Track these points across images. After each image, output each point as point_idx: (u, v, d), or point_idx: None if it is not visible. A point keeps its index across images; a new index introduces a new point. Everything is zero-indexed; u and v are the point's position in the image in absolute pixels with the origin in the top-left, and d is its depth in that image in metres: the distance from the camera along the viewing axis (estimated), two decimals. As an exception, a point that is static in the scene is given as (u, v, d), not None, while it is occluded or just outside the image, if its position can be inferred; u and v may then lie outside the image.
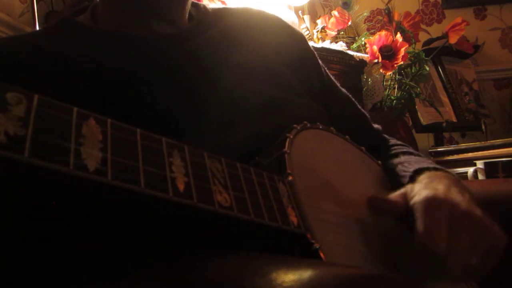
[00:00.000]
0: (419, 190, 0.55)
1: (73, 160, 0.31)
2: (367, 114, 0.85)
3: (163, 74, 0.61)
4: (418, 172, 0.64)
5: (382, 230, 0.58)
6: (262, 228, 0.44)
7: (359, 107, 0.85)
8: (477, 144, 1.68)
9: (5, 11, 1.35)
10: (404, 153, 0.75)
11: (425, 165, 0.65)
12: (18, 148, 0.29)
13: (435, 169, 0.64)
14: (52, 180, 0.32)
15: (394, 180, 0.68)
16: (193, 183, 0.39)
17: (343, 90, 0.85)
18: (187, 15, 0.72)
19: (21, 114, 0.30)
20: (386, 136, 0.86)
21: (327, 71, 0.83)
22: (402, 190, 0.58)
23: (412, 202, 0.54)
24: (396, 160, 0.72)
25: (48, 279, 0.49)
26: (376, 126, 0.85)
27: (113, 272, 0.46)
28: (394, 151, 0.77)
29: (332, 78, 0.84)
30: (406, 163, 0.69)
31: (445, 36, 1.89)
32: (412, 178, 0.63)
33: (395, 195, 0.58)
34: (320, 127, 0.62)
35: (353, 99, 0.85)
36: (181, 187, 0.38)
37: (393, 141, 0.84)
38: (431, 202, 0.53)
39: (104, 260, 0.49)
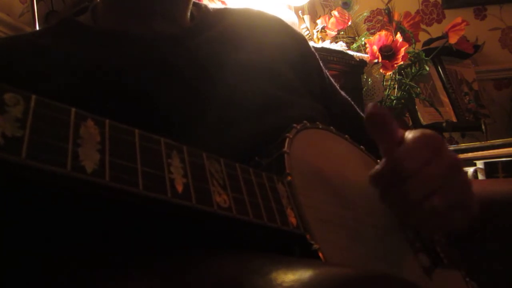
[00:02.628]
0: (418, 130, 0.54)
1: (70, 162, 0.31)
2: None
3: (164, 73, 0.61)
4: None
5: (382, 230, 0.57)
6: (261, 229, 0.44)
7: (358, 110, 0.85)
8: (477, 144, 1.68)
9: (5, 11, 1.35)
10: None
11: None
12: (15, 150, 0.29)
13: None
14: (50, 181, 0.32)
15: None
16: (192, 184, 0.39)
17: (343, 92, 0.85)
18: (188, 15, 0.72)
19: (18, 115, 0.30)
20: None
21: (327, 73, 0.83)
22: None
23: (406, 132, 0.53)
24: None
25: (48, 279, 0.49)
26: (375, 127, 0.85)
27: (112, 272, 0.46)
28: None
29: (332, 80, 0.84)
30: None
31: (445, 36, 1.89)
32: None
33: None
34: (320, 126, 0.62)
35: (352, 102, 0.86)
36: (179, 188, 0.38)
37: None
38: (425, 135, 0.51)
39: (103, 260, 0.49)
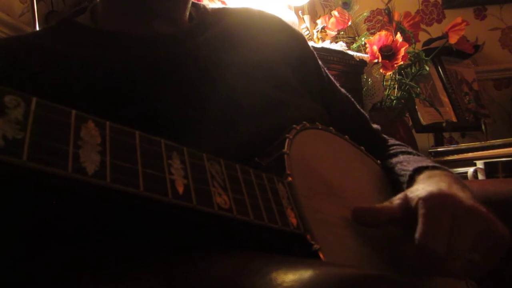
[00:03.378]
0: (423, 187, 0.54)
1: (71, 163, 0.31)
2: (366, 115, 0.85)
3: (163, 73, 0.61)
4: (417, 171, 0.63)
5: (383, 229, 0.57)
6: (262, 229, 0.44)
7: (359, 107, 0.85)
8: (477, 144, 1.68)
9: (5, 11, 1.35)
10: (403, 152, 0.75)
11: (424, 164, 0.65)
12: (16, 152, 0.29)
13: (434, 167, 0.63)
14: (51, 183, 0.32)
15: (394, 179, 0.68)
16: (192, 185, 0.39)
17: (343, 90, 0.85)
18: (187, 15, 0.72)
19: (19, 117, 0.30)
20: (385, 136, 0.85)
21: (327, 71, 0.83)
22: (401, 194, 0.56)
23: (414, 198, 0.53)
24: (395, 160, 0.72)
25: (48, 279, 0.49)
26: (375, 126, 0.85)
27: (112, 273, 0.46)
28: (393, 151, 0.77)
29: (332, 78, 0.84)
30: (405, 162, 0.68)
31: (445, 36, 1.89)
32: (412, 177, 0.63)
33: (393, 200, 0.56)
34: (320, 127, 0.62)
35: (353, 99, 0.85)
36: (180, 189, 0.38)
37: (392, 141, 0.84)
38: (434, 199, 0.51)
39: (104, 260, 0.49)
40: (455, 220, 0.50)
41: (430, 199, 0.51)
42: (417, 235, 0.49)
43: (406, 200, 0.54)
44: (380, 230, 0.57)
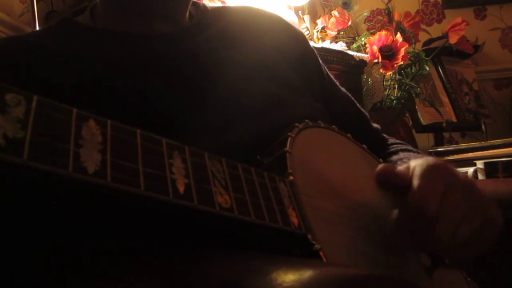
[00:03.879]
0: (421, 160, 0.54)
1: (72, 163, 0.31)
2: (366, 114, 0.85)
3: (163, 72, 0.61)
4: None
5: (384, 230, 0.57)
6: (263, 229, 0.44)
7: (359, 106, 0.85)
8: (477, 144, 1.68)
9: (5, 11, 1.35)
10: (403, 150, 0.75)
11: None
12: (17, 151, 0.29)
13: None
14: (51, 182, 0.32)
15: None
16: (194, 184, 0.39)
17: (343, 89, 0.85)
18: (187, 14, 0.72)
19: (20, 115, 0.30)
20: (385, 135, 0.86)
21: (327, 70, 0.83)
22: (405, 165, 0.56)
23: (412, 169, 0.53)
24: (395, 157, 0.72)
25: (48, 279, 0.49)
26: (375, 125, 0.85)
27: (113, 272, 0.46)
28: (393, 149, 0.77)
29: (332, 77, 0.84)
30: (406, 159, 0.68)
31: (445, 36, 1.89)
32: None
33: (400, 168, 0.56)
34: (322, 125, 0.62)
35: (353, 98, 0.85)
36: (181, 188, 0.37)
37: (392, 140, 0.84)
38: (431, 167, 0.51)
39: (104, 260, 0.49)
40: (449, 188, 0.50)
41: (426, 166, 0.52)
42: (410, 194, 0.49)
43: (408, 170, 0.54)
44: (382, 229, 0.57)
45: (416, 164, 0.53)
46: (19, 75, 0.57)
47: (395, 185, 0.54)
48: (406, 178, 0.53)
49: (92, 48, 0.63)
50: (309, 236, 0.46)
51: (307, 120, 0.59)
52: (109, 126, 0.35)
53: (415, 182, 0.50)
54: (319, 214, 0.51)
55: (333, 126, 0.64)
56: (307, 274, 0.34)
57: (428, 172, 0.51)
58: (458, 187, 0.50)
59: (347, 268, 0.37)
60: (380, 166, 0.55)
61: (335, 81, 0.84)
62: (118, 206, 0.42)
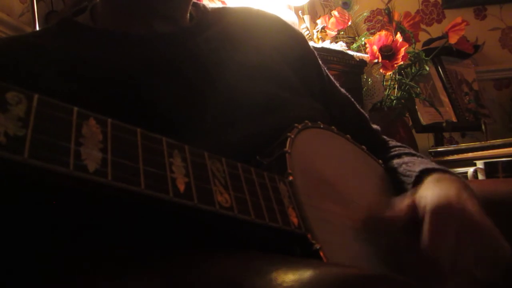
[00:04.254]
0: (432, 194, 0.54)
1: (73, 161, 0.31)
2: (366, 115, 0.85)
3: (163, 73, 0.61)
4: (424, 172, 0.63)
5: (384, 230, 0.57)
6: (263, 229, 0.44)
7: (359, 107, 0.85)
8: (477, 144, 1.68)
9: (5, 11, 1.35)
10: (407, 154, 0.74)
11: (430, 166, 0.64)
12: (17, 149, 0.29)
13: (442, 171, 0.63)
14: (52, 180, 0.32)
15: (398, 180, 0.68)
16: (194, 183, 0.39)
17: (343, 90, 0.85)
18: (188, 15, 0.72)
19: (21, 114, 0.30)
20: (385, 137, 0.85)
21: (327, 71, 0.83)
22: (410, 197, 0.56)
23: (422, 204, 0.53)
24: (399, 160, 0.72)
25: (48, 279, 0.49)
26: (375, 127, 0.85)
27: (113, 272, 0.46)
28: (396, 152, 0.76)
29: (332, 78, 0.84)
30: (411, 163, 0.68)
31: (445, 36, 1.89)
32: (418, 178, 0.62)
33: (402, 201, 0.56)
34: (321, 126, 0.62)
35: (353, 100, 0.85)
36: (181, 187, 0.38)
37: (393, 142, 0.84)
38: (442, 209, 0.52)
39: (104, 260, 0.49)
40: (461, 234, 0.50)
41: (437, 209, 0.52)
42: (423, 243, 0.50)
43: (414, 204, 0.55)
44: (381, 229, 0.57)
45: (427, 198, 0.53)
46: (19, 75, 0.57)
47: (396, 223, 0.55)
48: (408, 212, 0.54)
49: (92, 48, 0.63)
50: (309, 236, 0.46)
51: (306, 121, 0.60)
52: (110, 124, 0.36)
53: (426, 229, 0.50)
54: (318, 214, 0.51)
55: (332, 127, 0.64)
56: (307, 274, 0.34)
57: (439, 215, 0.51)
58: (471, 228, 0.51)
59: (348, 268, 0.37)
60: (388, 213, 0.55)
61: (335, 82, 0.84)
62: (118, 205, 0.42)
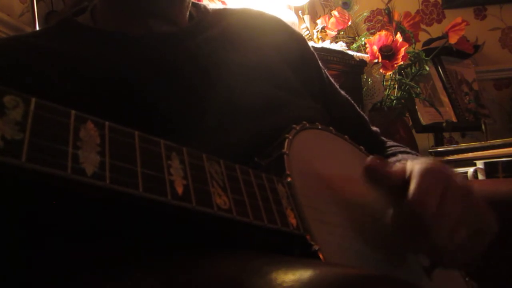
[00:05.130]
0: (420, 161, 0.54)
1: (70, 164, 0.31)
2: (366, 117, 0.85)
3: (162, 73, 0.61)
4: None
5: (383, 230, 0.57)
6: (261, 230, 0.44)
7: (358, 109, 0.85)
8: (477, 144, 1.68)
9: (5, 11, 1.35)
10: (402, 152, 0.75)
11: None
12: (15, 153, 0.29)
13: None
14: (50, 184, 0.32)
15: None
16: (192, 185, 0.39)
17: (343, 92, 0.85)
18: (187, 15, 0.72)
19: (18, 118, 0.30)
20: (384, 138, 0.86)
21: (326, 72, 0.83)
22: (402, 164, 0.55)
23: (410, 169, 0.52)
24: (393, 158, 0.72)
25: (48, 279, 0.49)
26: (374, 128, 0.86)
27: (112, 273, 0.46)
28: (391, 151, 0.77)
29: (332, 80, 0.84)
30: (404, 160, 0.68)
31: (445, 36, 1.89)
32: None
33: (394, 167, 0.55)
34: (319, 127, 0.62)
35: (352, 101, 0.85)
36: (179, 190, 0.38)
37: (390, 142, 0.84)
38: (429, 169, 0.51)
39: (103, 260, 0.49)
40: (446, 191, 0.49)
41: (424, 168, 0.51)
42: (407, 196, 0.49)
43: (404, 169, 0.54)
44: (380, 229, 0.57)
45: (413, 165, 0.53)
46: (19, 75, 0.57)
47: (389, 182, 0.53)
48: (400, 177, 0.52)
49: (92, 48, 0.63)
50: (308, 237, 0.46)
51: (304, 122, 0.60)
52: (107, 127, 0.36)
53: (413, 184, 0.50)
54: (317, 215, 0.51)
55: (331, 128, 0.64)
56: (307, 274, 0.34)
57: (426, 174, 0.50)
58: (456, 191, 0.50)
59: (347, 268, 0.37)
60: (369, 159, 0.52)
61: (335, 84, 0.85)
62: (117, 207, 0.42)
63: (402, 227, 0.50)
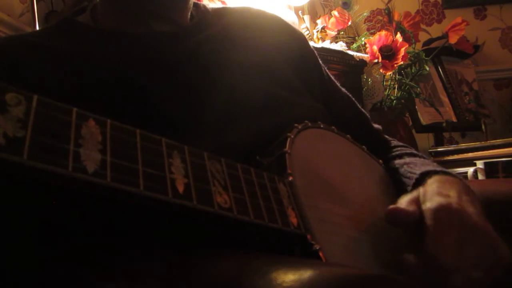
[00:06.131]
0: (432, 196, 0.55)
1: (72, 162, 0.31)
2: (367, 115, 0.85)
3: (163, 72, 0.61)
4: (426, 174, 0.63)
5: (384, 230, 0.57)
6: (262, 229, 0.44)
7: (360, 107, 0.85)
8: (477, 144, 1.68)
9: (5, 11, 1.35)
10: (409, 154, 0.74)
11: (432, 168, 0.64)
12: (17, 150, 0.29)
13: (443, 172, 0.63)
14: (51, 181, 0.32)
15: (398, 180, 0.68)
16: (193, 184, 0.39)
17: (344, 90, 0.85)
18: (188, 15, 0.72)
19: (20, 115, 0.30)
20: (387, 137, 0.85)
21: (327, 71, 0.83)
22: (414, 194, 0.56)
23: (424, 207, 0.53)
24: (401, 161, 0.72)
25: (48, 279, 0.49)
26: (376, 126, 0.85)
27: (112, 272, 0.46)
28: (398, 152, 0.76)
29: (333, 78, 0.84)
30: (412, 164, 0.68)
31: (445, 36, 1.89)
32: (419, 180, 0.62)
33: (407, 201, 0.56)
34: (321, 126, 0.62)
35: (354, 99, 0.85)
36: (180, 188, 0.38)
37: (394, 142, 0.83)
38: (443, 211, 0.52)
39: (104, 260, 0.49)
40: (462, 234, 0.50)
41: (438, 210, 0.52)
42: (425, 244, 0.50)
43: (418, 202, 0.55)
44: (381, 229, 0.57)
45: (427, 204, 0.54)
46: (19, 74, 0.57)
47: (406, 224, 0.54)
48: (416, 215, 0.53)
49: (92, 47, 0.63)
50: (309, 237, 0.46)
51: (306, 121, 0.60)
52: (109, 125, 0.35)
53: (429, 231, 0.51)
54: (318, 214, 0.51)
55: (332, 127, 0.64)
56: (307, 274, 0.34)
57: (441, 217, 0.52)
58: (472, 230, 0.51)
59: (348, 268, 0.37)
60: (389, 208, 0.54)
61: (336, 82, 0.84)
62: (118, 205, 0.42)
63: (424, 272, 0.51)
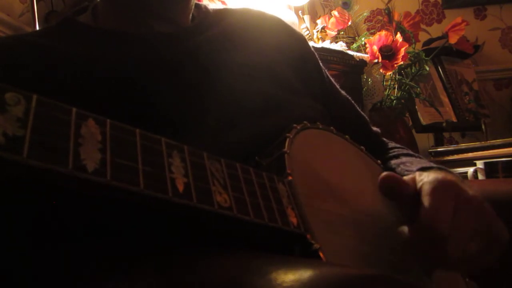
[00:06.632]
0: (428, 175, 0.55)
1: (72, 161, 0.31)
2: (366, 117, 0.85)
3: (163, 72, 0.61)
4: (422, 170, 0.63)
5: (383, 229, 0.57)
6: (262, 229, 0.44)
7: (359, 110, 0.85)
8: (477, 144, 1.68)
9: (5, 11, 1.35)
10: (405, 154, 0.75)
11: (427, 165, 0.65)
12: (16, 149, 0.29)
13: (439, 168, 0.64)
14: (51, 180, 0.32)
15: None
16: (193, 183, 0.39)
17: (343, 92, 0.85)
18: (190, 16, 0.72)
19: (19, 114, 0.30)
20: (385, 139, 0.86)
21: (327, 72, 0.83)
22: (411, 175, 0.57)
23: (420, 183, 0.54)
24: (397, 161, 0.72)
25: (48, 278, 0.49)
26: (375, 129, 0.86)
27: (112, 272, 0.46)
28: (394, 153, 0.77)
29: (332, 80, 0.84)
30: (408, 163, 0.69)
31: (445, 36, 1.89)
32: None
33: (405, 178, 0.57)
34: (320, 126, 0.62)
35: (353, 101, 0.85)
36: (180, 187, 0.38)
37: (392, 143, 0.84)
38: (440, 183, 0.53)
39: (104, 260, 0.49)
40: (457, 205, 0.51)
41: (435, 182, 0.53)
42: (422, 213, 0.50)
43: (414, 181, 0.56)
44: (380, 228, 0.57)
45: (424, 179, 0.54)
46: (19, 74, 0.57)
47: (400, 194, 0.54)
48: (412, 189, 0.54)
49: (93, 47, 0.63)
50: (308, 236, 0.46)
51: (305, 122, 0.60)
52: (108, 125, 0.36)
53: (426, 200, 0.51)
54: (318, 214, 0.51)
55: (331, 128, 0.64)
56: (307, 274, 0.34)
57: (438, 189, 0.52)
58: (468, 205, 0.52)
59: (348, 268, 0.37)
60: (384, 173, 0.55)
61: (336, 84, 0.85)
62: (118, 205, 0.42)
63: (419, 244, 0.51)
